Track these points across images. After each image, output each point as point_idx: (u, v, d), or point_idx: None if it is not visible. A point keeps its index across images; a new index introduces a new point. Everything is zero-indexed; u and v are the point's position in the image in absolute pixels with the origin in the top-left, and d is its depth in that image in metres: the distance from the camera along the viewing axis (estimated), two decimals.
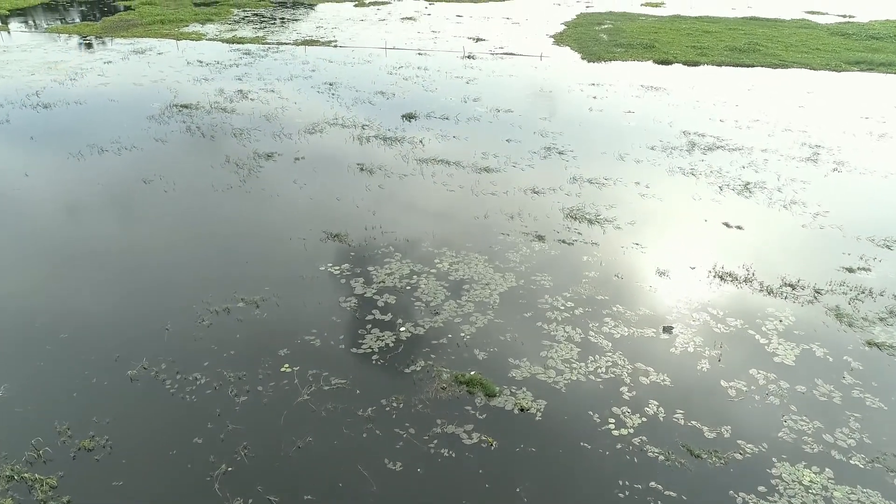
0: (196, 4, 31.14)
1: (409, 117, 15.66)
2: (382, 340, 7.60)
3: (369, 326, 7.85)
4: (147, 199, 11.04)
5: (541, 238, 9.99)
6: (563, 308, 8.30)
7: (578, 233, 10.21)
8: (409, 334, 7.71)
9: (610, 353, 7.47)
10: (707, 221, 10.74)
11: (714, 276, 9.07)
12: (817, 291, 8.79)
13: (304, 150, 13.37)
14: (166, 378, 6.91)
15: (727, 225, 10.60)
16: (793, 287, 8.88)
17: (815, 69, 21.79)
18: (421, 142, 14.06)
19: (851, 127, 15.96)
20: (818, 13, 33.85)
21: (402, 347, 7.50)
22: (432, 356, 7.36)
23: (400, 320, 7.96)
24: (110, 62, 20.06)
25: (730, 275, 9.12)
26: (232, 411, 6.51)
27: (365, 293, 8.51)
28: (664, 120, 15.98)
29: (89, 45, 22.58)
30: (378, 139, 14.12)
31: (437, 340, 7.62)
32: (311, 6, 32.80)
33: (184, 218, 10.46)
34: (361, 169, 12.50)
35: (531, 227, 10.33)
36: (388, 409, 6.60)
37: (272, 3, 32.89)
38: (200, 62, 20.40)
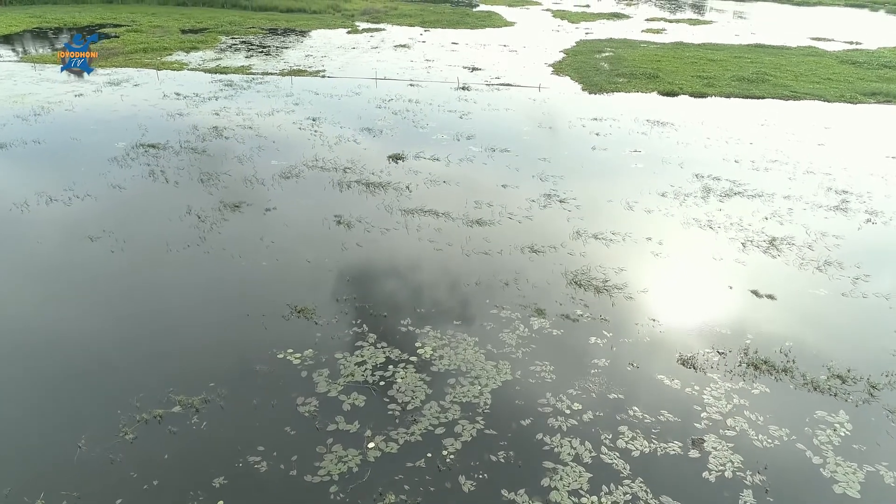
0: (183, 31, 30.20)
1: (396, 158, 14.35)
2: (345, 462, 6.12)
3: (330, 441, 6.37)
4: (87, 263, 9.62)
5: (541, 312, 8.56)
6: (568, 412, 6.83)
7: (584, 305, 8.79)
8: (378, 453, 6.23)
9: (629, 481, 5.98)
10: (732, 289, 9.34)
11: (748, 366, 7.62)
12: (872, 386, 7.34)
13: (276, 199, 12.01)
14: None
15: (756, 294, 9.18)
16: (843, 380, 7.43)
17: (829, 101, 20.64)
18: (408, 188, 12.72)
19: (878, 168, 14.66)
20: (824, 40, 32.95)
21: (369, 473, 6.01)
22: (405, 487, 5.87)
23: (369, 432, 6.48)
24: (82, 95, 18.85)
25: (766, 363, 7.67)
26: None
27: (329, 391, 7.04)
28: (674, 160, 14.69)
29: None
30: (360, 185, 12.78)
31: (413, 462, 6.14)
32: (303, 33, 31.88)
33: (127, 287, 9.02)
34: (339, 222, 11.12)
35: (529, 298, 8.92)
36: None
37: (262, 30, 31.98)
38: (178, 94, 19.20)
